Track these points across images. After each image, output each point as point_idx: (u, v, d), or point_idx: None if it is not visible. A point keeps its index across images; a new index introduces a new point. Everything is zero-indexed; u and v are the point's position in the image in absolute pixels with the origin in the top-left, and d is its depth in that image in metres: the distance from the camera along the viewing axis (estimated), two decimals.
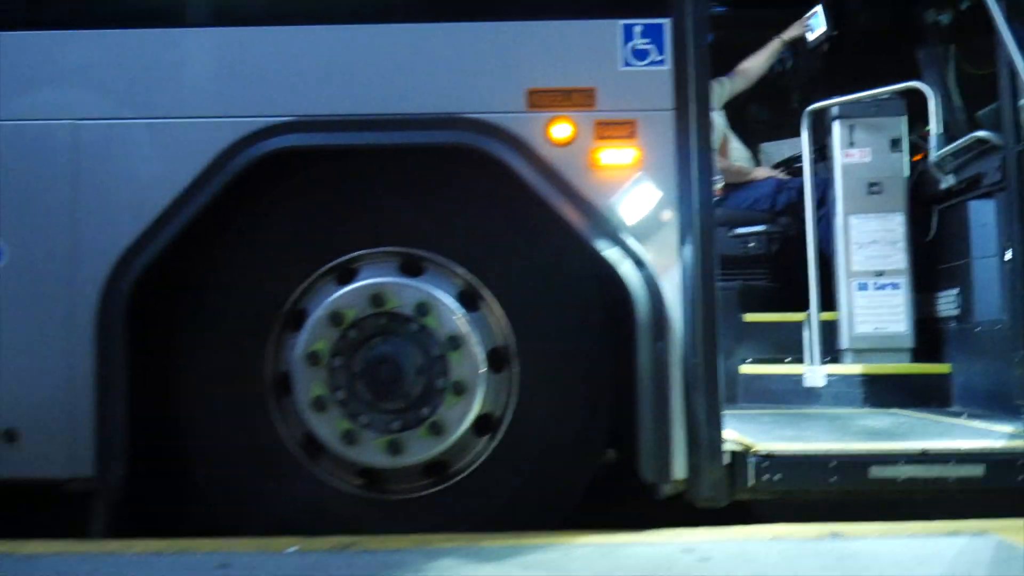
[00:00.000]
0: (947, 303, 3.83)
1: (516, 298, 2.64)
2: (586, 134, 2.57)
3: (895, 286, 3.88)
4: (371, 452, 2.62)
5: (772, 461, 2.57)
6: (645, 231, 2.58)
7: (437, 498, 2.65)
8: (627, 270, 2.55)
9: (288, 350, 2.65)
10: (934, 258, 3.89)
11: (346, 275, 2.67)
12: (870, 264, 3.89)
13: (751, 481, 2.57)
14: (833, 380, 3.88)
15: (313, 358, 2.62)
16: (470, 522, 2.60)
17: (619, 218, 2.56)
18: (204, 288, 2.66)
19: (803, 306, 4.05)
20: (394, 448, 2.61)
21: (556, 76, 2.57)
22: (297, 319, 2.66)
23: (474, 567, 2.16)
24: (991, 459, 2.57)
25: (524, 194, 2.60)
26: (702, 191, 2.56)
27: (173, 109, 2.62)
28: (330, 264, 2.66)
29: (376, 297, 2.61)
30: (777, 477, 2.57)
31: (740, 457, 2.58)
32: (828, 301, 4.01)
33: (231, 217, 2.64)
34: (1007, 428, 2.95)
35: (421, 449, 2.62)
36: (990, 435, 2.82)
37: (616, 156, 2.58)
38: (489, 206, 2.65)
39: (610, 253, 2.55)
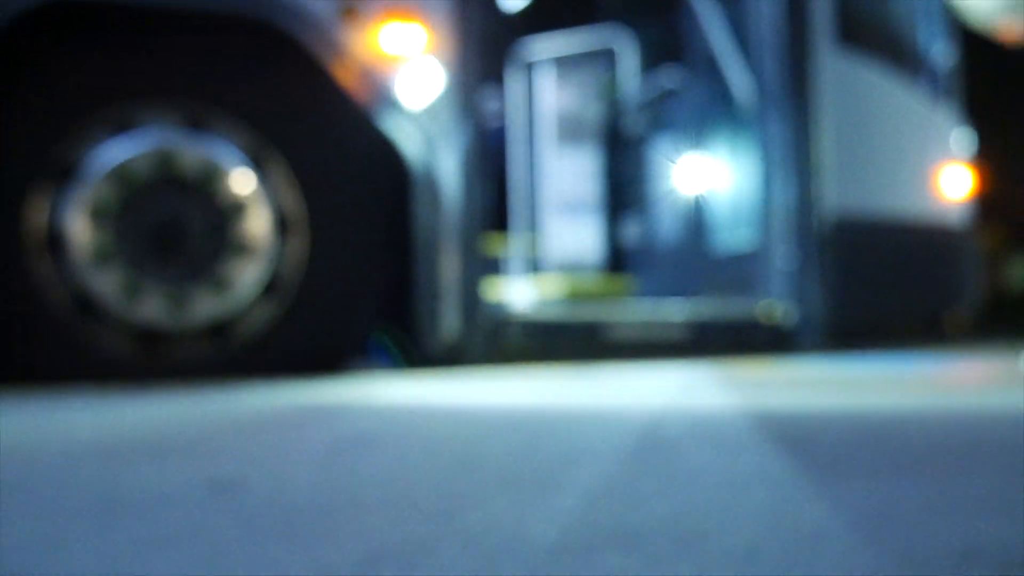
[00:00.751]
0: (631, 228, 4.60)
1: (303, 165, 2.84)
2: (372, 13, 2.86)
3: (590, 213, 4.58)
4: (154, 310, 2.67)
5: (528, 322, 3.04)
6: (424, 112, 2.92)
7: (220, 359, 2.76)
8: (407, 144, 2.87)
9: (63, 206, 2.62)
10: (622, 190, 4.64)
11: (128, 129, 2.70)
12: (569, 194, 4.56)
13: (510, 339, 3.01)
14: (535, 296, 4.47)
15: (92, 213, 2.62)
16: (259, 376, 2.76)
17: (400, 94, 2.88)
18: None
19: (505, 234, 4.62)
20: (178, 305, 2.68)
21: None
22: (73, 173, 2.64)
23: (284, 392, 2.36)
24: (699, 324, 3.26)
25: (313, 66, 2.83)
26: (475, 76, 2.97)
27: None
28: (109, 117, 2.68)
29: (162, 152, 2.68)
30: (533, 336, 3.04)
31: (501, 317, 3.00)
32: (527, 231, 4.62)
33: None
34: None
35: (205, 308, 2.72)
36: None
37: (400, 36, 2.90)
38: (279, 75, 2.82)
39: (392, 127, 2.86)
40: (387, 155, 2.91)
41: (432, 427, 1.56)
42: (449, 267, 2.94)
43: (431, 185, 2.90)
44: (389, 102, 2.88)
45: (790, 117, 3.52)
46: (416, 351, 2.99)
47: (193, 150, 2.74)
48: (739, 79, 3.68)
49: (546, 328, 3.08)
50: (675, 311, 3.32)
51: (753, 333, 3.40)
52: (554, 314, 3.12)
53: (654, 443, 1.33)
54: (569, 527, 0.83)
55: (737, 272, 3.69)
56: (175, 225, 2.71)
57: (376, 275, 2.95)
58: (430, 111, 2.94)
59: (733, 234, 3.80)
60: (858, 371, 2.92)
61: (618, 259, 4.60)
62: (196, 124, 2.78)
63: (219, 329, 2.79)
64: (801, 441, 1.34)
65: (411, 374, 2.95)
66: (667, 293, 4.27)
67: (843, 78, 3.66)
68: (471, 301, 2.93)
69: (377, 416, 1.73)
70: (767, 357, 3.41)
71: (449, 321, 2.93)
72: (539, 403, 1.98)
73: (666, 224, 4.36)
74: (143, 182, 2.69)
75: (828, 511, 0.89)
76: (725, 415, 1.66)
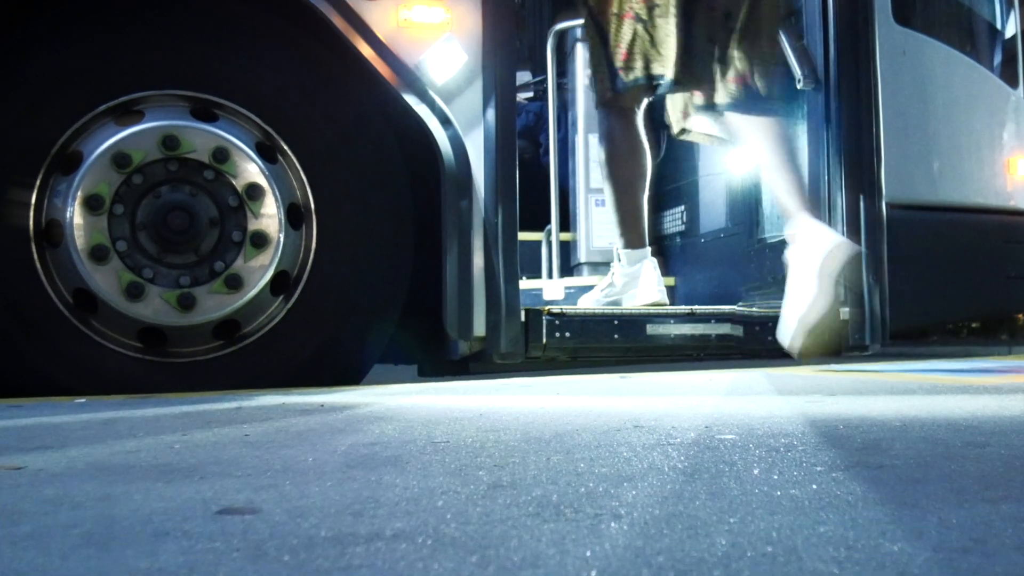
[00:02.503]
0: (673, 220, 4.51)
1: (315, 153, 2.80)
2: None
3: None
4: (158, 308, 2.64)
5: (563, 320, 2.97)
6: (450, 91, 2.86)
7: (228, 360, 2.73)
8: (435, 128, 2.82)
9: (59, 195, 2.60)
10: (663, 178, 4.55)
11: (130, 118, 2.67)
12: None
13: (544, 339, 2.94)
14: (570, 293, 4.39)
15: (92, 204, 2.59)
16: (263, 385, 2.72)
17: (427, 76, 2.83)
18: None
19: (539, 227, 4.53)
20: (184, 303, 2.65)
21: None
22: (71, 162, 2.61)
23: (301, 397, 2.31)
24: (744, 319, 3.18)
25: (329, 45, 2.78)
26: (505, 57, 2.91)
27: None
28: (109, 103, 2.65)
29: (168, 139, 2.64)
30: (567, 335, 2.97)
31: (535, 315, 2.94)
32: (563, 223, 4.53)
33: None
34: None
35: (215, 305, 2.69)
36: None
37: (425, 15, 2.85)
38: (292, 55, 2.78)
39: (419, 110, 2.81)
40: (414, 140, 2.87)
41: (459, 438, 1.50)
42: (481, 261, 2.88)
43: (462, 171, 2.84)
44: (417, 83, 2.83)
45: (846, 96, 3.41)
46: (443, 352, 2.94)
47: (201, 137, 2.70)
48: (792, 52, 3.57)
49: (583, 326, 3.02)
50: (721, 307, 3.24)
51: None
52: (592, 312, 3.05)
53: (708, 458, 1.27)
54: (621, 562, 0.77)
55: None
56: (180, 215, 2.68)
57: (399, 269, 2.90)
58: (460, 92, 2.89)
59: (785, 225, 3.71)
60: (922, 374, 2.84)
61: (660, 255, 4.51)
62: (201, 113, 2.74)
63: (227, 327, 2.76)
64: (869, 455, 1.27)
65: (437, 377, 2.91)
66: (712, 287, 4.19)
67: (902, 57, 3.55)
68: (503, 298, 2.87)
69: (397, 425, 1.68)
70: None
71: (479, 319, 2.87)
72: (577, 409, 1.92)
73: (712, 212, 4.27)
74: (145, 171, 2.66)
75: (912, 543, 0.82)
76: (781, 424, 1.59)
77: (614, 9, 3.10)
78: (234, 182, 2.70)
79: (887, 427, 1.55)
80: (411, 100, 2.80)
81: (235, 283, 2.69)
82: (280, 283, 2.77)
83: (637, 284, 3.35)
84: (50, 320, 2.58)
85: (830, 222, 3.38)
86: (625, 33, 3.09)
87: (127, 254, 2.62)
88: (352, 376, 2.86)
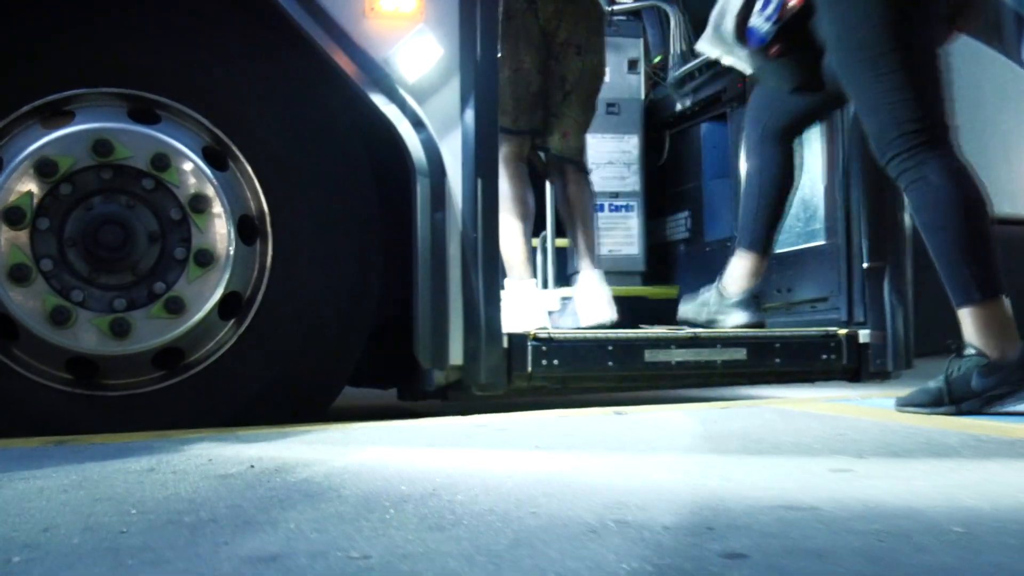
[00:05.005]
0: (677, 226, 4.12)
1: (271, 158, 2.41)
2: None
3: (629, 208, 4.10)
4: (88, 336, 2.27)
5: (551, 346, 2.58)
6: (424, 90, 2.48)
7: (170, 393, 2.35)
8: (405, 131, 2.43)
9: None
10: (666, 182, 4.16)
11: (59, 120, 2.29)
12: (606, 185, 4.08)
13: (530, 367, 2.56)
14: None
15: (11, 217, 2.21)
16: (212, 421, 2.35)
17: (396, 73, 2.44)
18: None
19: (533, 233, 4.14)
20: (119, 330, 2.27)
21: None
22: None
23: (236, 447, 1.94)
24: (752, 343, 2.78)
25: (287, 38, 2.40)
26: (486, 51, 2.51)
27: None
28: (34, 103, 2.27)
29: (100, 144, 2.26)
30: (556, 362, 2.58)
31: (519, 341, 2.56)
32: (559, 228, 4.14)
33: None
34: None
35: (154, 332, 2.31)
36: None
37: (394, 4, 2.46)
38: (245, 49, 2.40)
39: (387, 111, 2.42)
40: (383, 144, 2.49)
41: (385, 549, 1.12)
42: (458, 280, 2.50)
43: (436, 180, 2.46)
44: (385, 80, 2.45)
45: None
46: (415, 383, 2.56)
47: (139, 141, 2.33)
48: None
49: (574, 353, 2.63)
50: (726, 330, 2.86)
51: (822, 354, 2.92)
52: (583, 336, 2.67)
53: None
54: None
55: (804, 280, 3.22)
56: (114, 230, 2.30)
57: (367, 289, 2.53)
58: (435, 91, 2.50)
59: (800, 234, 3.32)
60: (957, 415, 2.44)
61: (663, 262, 4.13)
62: (142, 114, 2.37)
63: (169, 356, 2.38)
64: None
65: (404, 410, 2.53)
66: None
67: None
68: (483, 322, 2.49)
69: (323, 512, 1.30)
70: (839, 382, 2.95)
71: (456, 346, 2.49)
72: (554, 479, 1.53)
73: (718, 218, 3.88)
74: (75, 180, 2.29)
75: None
76: (804, 527, 1.20)
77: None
78: (177, 192, 2.32)
79: (943, 540, 1.15)
80: (378, 100, 2.41)
81: (177, 306, 2.31)
82: (230, 306, 2.40)
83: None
84: None
85: (848, 234, 2.99)
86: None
87: (53, 274, 2.25)
88: (313, 409, 2.48)
